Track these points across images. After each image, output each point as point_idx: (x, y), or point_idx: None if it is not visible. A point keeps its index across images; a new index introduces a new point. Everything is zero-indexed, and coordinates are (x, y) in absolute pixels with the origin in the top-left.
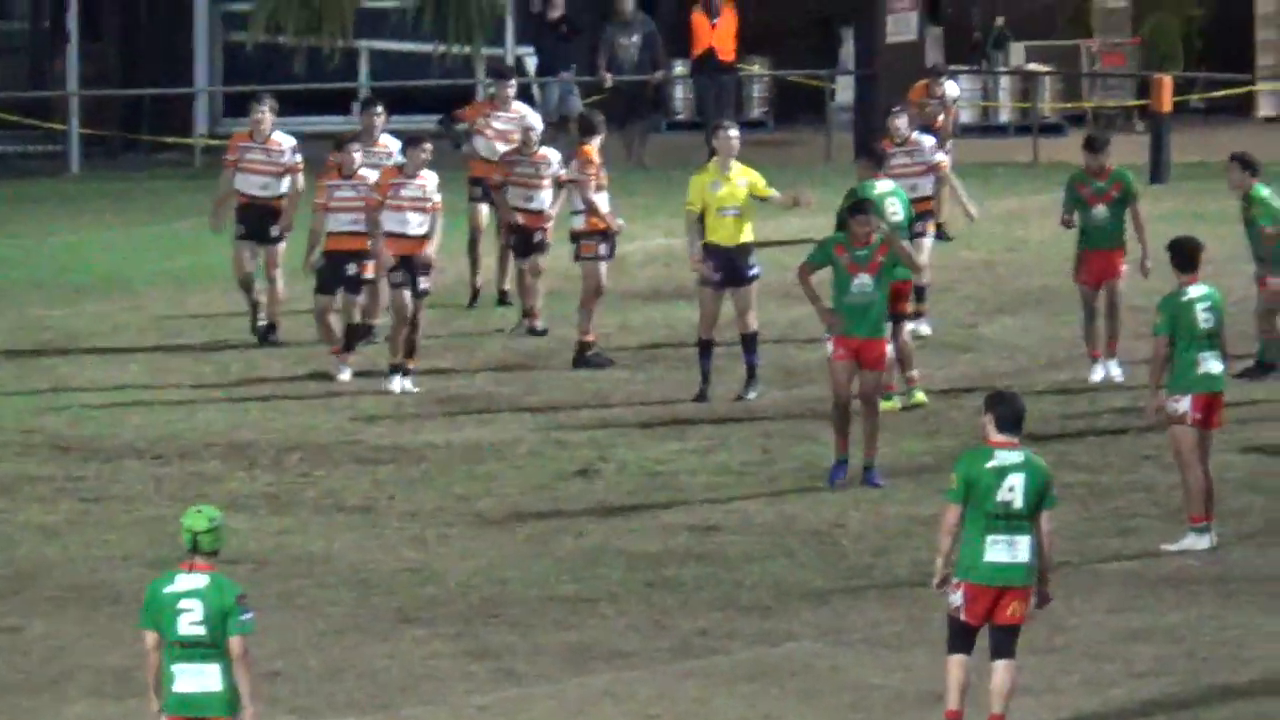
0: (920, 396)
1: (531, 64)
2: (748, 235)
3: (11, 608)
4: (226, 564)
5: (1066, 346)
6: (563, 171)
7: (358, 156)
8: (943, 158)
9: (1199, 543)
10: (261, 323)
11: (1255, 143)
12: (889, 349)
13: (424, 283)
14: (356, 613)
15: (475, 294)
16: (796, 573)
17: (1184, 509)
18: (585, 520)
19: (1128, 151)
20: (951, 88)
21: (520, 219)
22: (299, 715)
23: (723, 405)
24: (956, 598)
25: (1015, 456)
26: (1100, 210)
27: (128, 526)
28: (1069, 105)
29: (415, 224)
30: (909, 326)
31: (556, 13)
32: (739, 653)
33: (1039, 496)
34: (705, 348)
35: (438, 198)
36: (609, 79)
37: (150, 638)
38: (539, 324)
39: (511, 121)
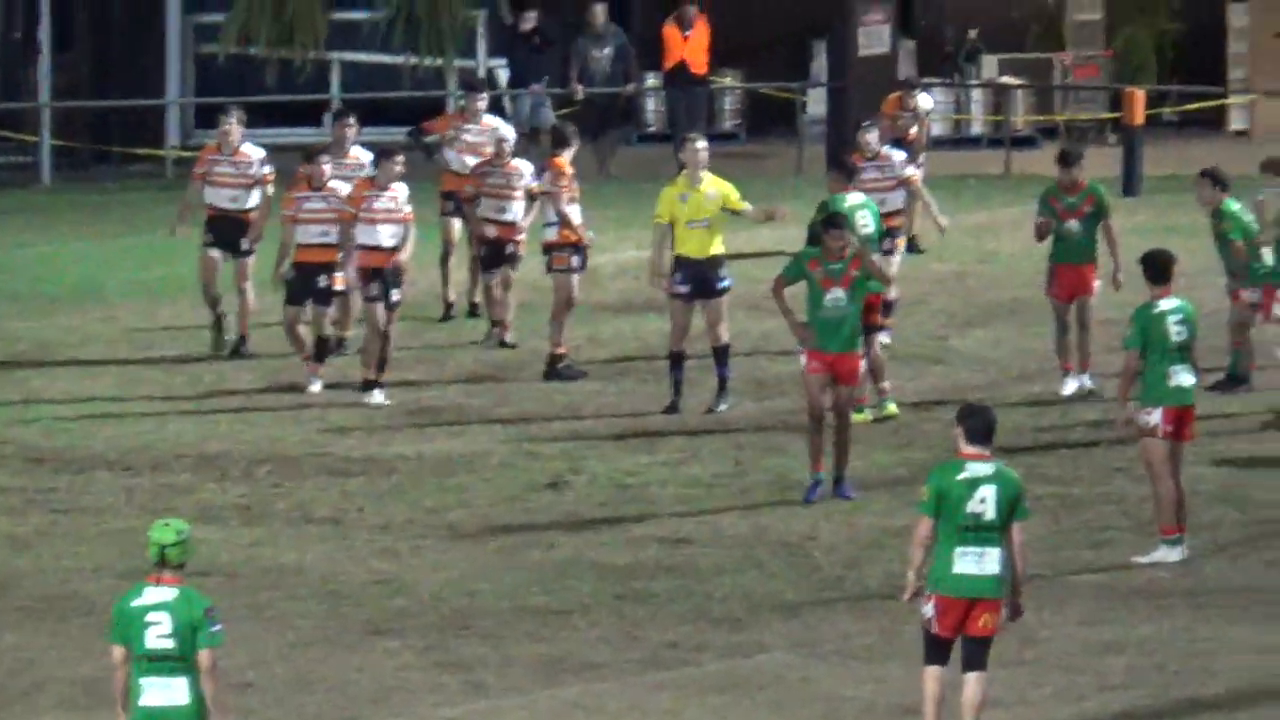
0: (892, 408)
1: (503, 76)
2: (718, 247)
3: None
4: (197, 576)
5: (1038, 359)
6: (535, 183)
7: (328, 168)
8: (913, 172)
9: (1170, 555)
10: (229, 337)
11: (1227, 156)
12: (861, 363)
13: (396, 294)
14: (327, 624)
15: (448, 308)
16: (768, 585)
17: (1155, 521)
18: (556, 532)
19: (1100, 164)
20: (925, 100)
21: (492, 231)
22: None
23: (694, 417)
24: (928, 610)
25: (986, 468)
26: (1073, 225)
27: (98, 538)
28: (1041, 118)
29: (388, 236)
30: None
31: (529, 25)
32: (710, 665)
33: (1010, 508)
34: (676, 360)
35: (409, 209)
36: (581, 91)
37: (118, 652)
38: (510, 337)
39: (482, 134)
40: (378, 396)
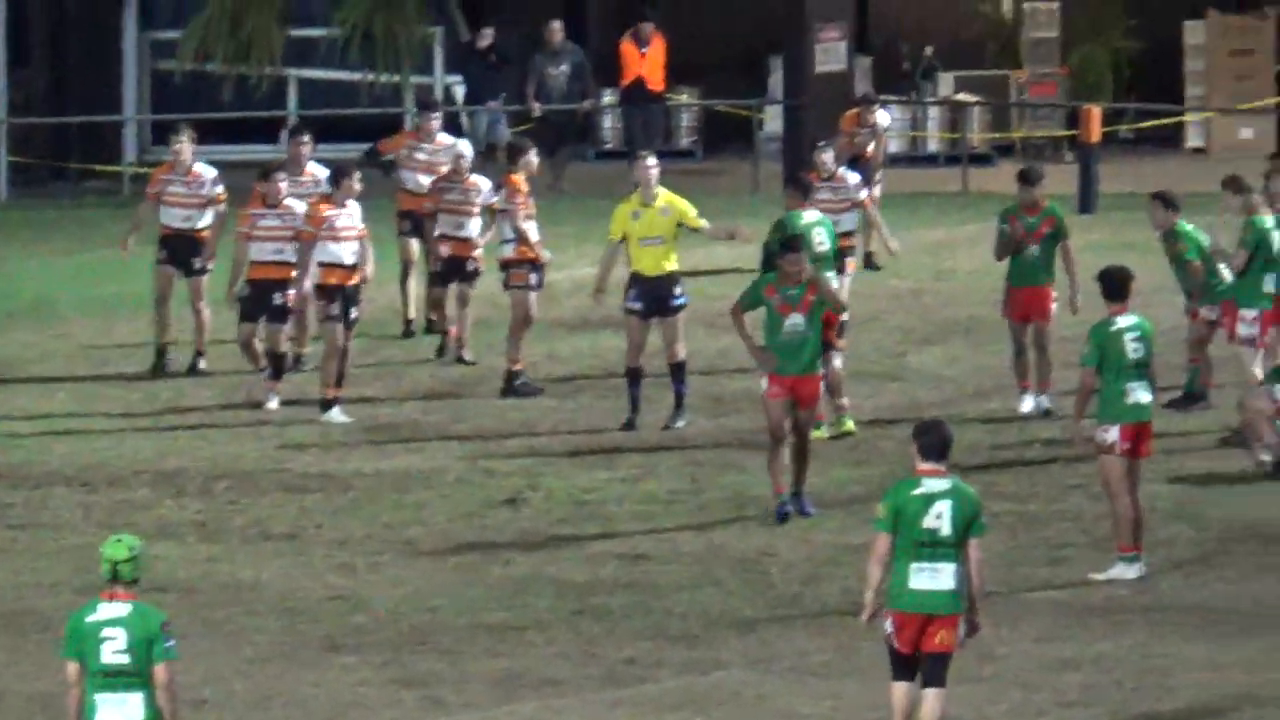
0: (849, 425)
1: (460, 93)
2: (672, 265)
3: None
4: (154, 592)
5: (994, 376)
6: (494, 199)
7: (284, 186)
8: (865, 195)
9: (1127, 572)
10: (170, 368)
11: (1184, 173)
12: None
13: (354, 312)
14: (284, 640)
15: (407, 325)
16: (725, 601)
17: (1113, 538)
18: (513, 549)
19: (1057, 181)
20: (883, 117)
21: (448, 249)
22: None
23: (651, 434)
24: (888, 625)
25: (942, 484)
26: (1031, 247)
27: (56, 554)
28: (998, 135)
29: (350, 253)
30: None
31: (485, 42)
32: (667, 681)
33: (967, 524)
34: (633, 376)
35: (363, 225)
36: (537, 108)
37: (71, 669)
38: (467, 354)
39: (437, 153)
40: (338, 415)
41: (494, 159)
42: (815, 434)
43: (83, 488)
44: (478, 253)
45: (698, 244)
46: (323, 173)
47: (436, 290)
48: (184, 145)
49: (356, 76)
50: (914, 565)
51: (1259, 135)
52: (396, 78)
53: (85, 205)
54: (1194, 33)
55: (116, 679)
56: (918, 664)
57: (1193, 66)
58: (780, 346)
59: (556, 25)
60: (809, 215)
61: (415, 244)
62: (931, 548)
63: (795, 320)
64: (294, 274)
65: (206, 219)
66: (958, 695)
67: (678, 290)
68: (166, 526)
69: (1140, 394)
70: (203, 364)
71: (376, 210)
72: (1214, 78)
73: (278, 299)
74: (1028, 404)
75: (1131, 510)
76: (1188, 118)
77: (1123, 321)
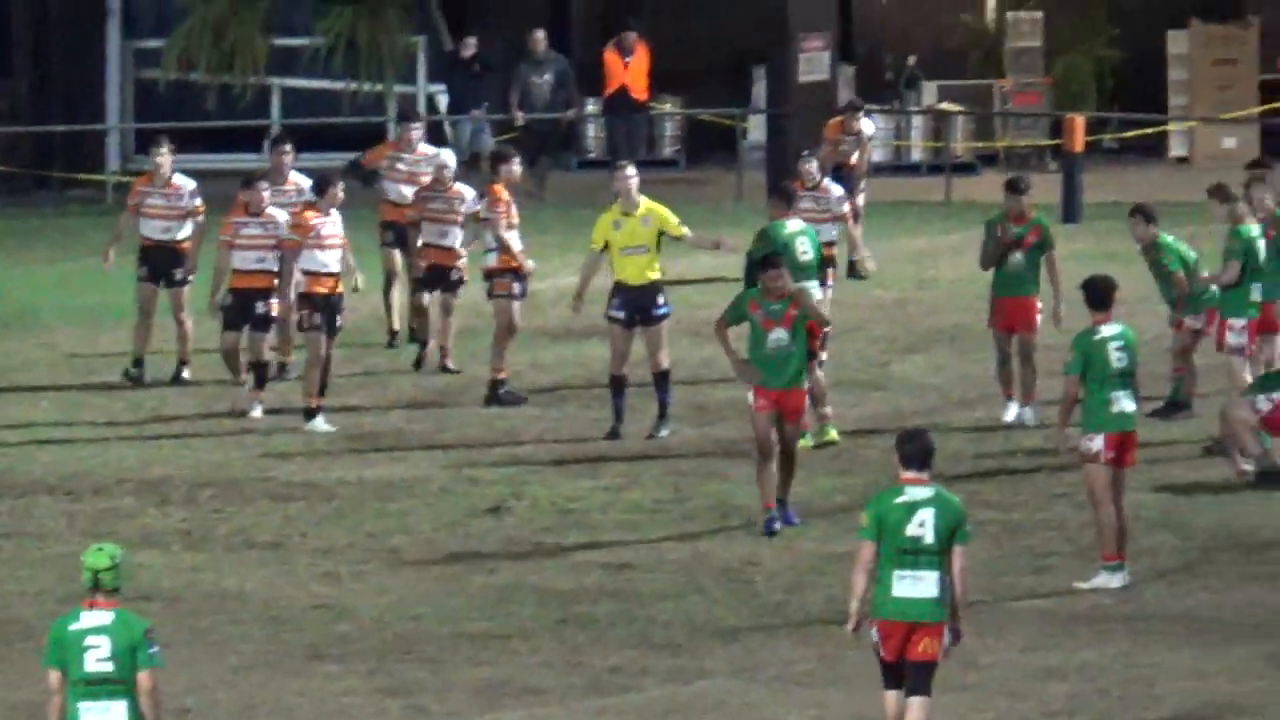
0: (833, 434)
1: (443, 102)
2: (656, 274)
3: None
4: (140, 600)
5: (978, 385)
6: (477, 208)
7: (266, 195)
8: (847, 208)
9: (1112, 581)
10: (143, 367)
11: (1168, 182)
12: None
13: (338, 320)
14: (268, 649)
15: (393, 336)
16: (709, 610)
17: (1097, 547)
18: (497, 557)
19: (1041, 191)
20: (867, 125)
21: (432, 257)
22: None
23: (635, 443)
24: (873, 634)
25: (925, 492)
26: (1016, 257)
27: (40, 563)
28: (981, 145)
29: (334, 261)
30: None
31: (469, 51)
32: (651, 690)
33: (950, 532)
34: (617, 385)
35: (343, 234)
36: (521, 117)
37: (54, 677)
38: (451, 363)
39: (418, 163)
40: (322, 424)
41: (477, 168)
42: (799, 443)
43: (67, 496)
44: (461, 262)
45: (681, 253)
46: (305, 182)
47: (418, 296)
48: (164, 157)
49: (340, 86)
50: (897, 573)
51: (1242, 145)
52: (380, 87)
53: (69, 214)
54: (1177, 42)
55: (100, 687)
56: (904, 672)
57: (1176, 76)
58: (764, 361)
59: (540, 34)
60: (792, 225)
61: (398, 254)
62: (915, 555)
63: (779, 335)
64: (277, 282)
65: (186, 230)
66: (943, 704)
67: (661, 299)
68: (151, 535)
69: (1125, 403)
70: (186, 373)
71: (358, 220)
72: (1197, 87)
73: (260, 308)
74: (1011, 412)
75: (1116, 519)
76: (1171, 127)
77: (1107, 330)
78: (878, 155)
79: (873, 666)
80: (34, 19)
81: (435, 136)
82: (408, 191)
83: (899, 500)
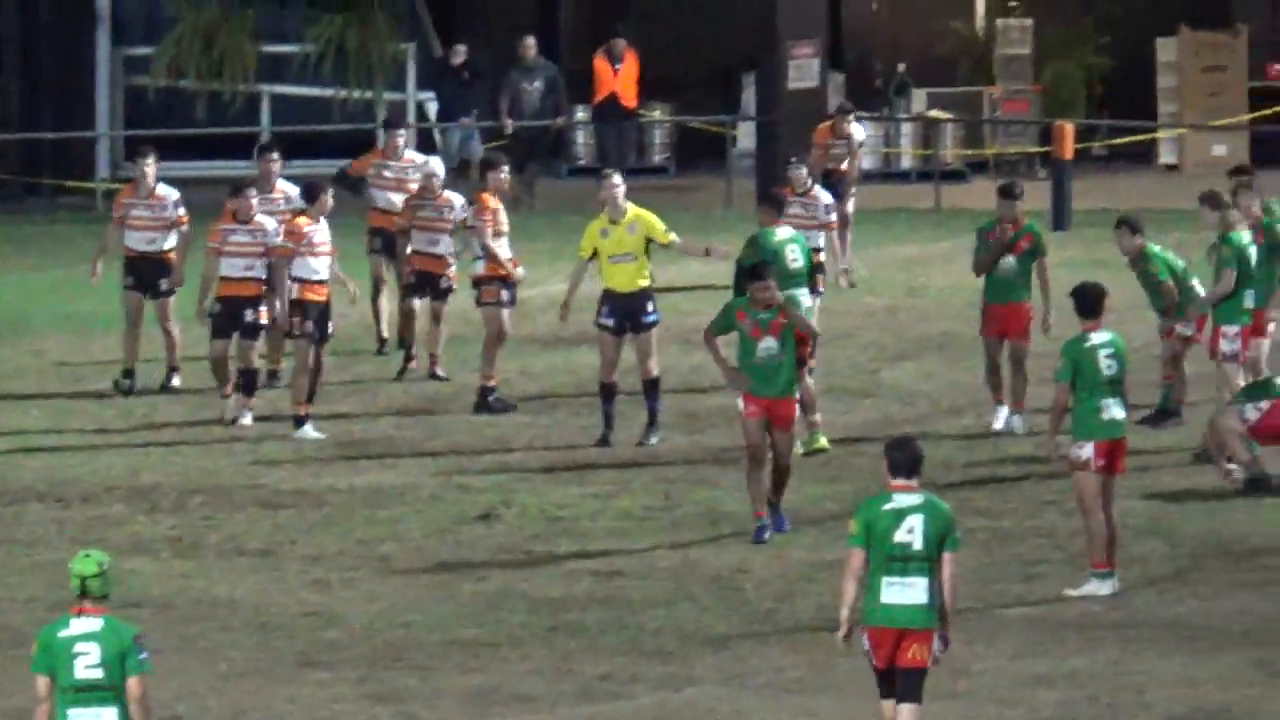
0: (823, 441)
1: (433, 109)
2: (645, 281)
3: None
4: (129, 607)
5: (968, 392)
6: (465, 215)
7: (254, 202)
8: (834, 218)
9: (1101, 588)
10: (133, 378)
11: (1157, 190)
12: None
13: (329, 327)
14: (258, 656)
15: (382, 343)
16: (699, 617)
17: (1087, 554)
18: (487, 565)
19: (1030, 198)
20: (858, 130)
21: (421, 264)
22: None
23: (625, 450)
24: (864, 642)
25: (914, 499)
26: (1008, 262)
27: (29, 569)
28: (971, 152)
29: (324, 268)
30: None
31: (459, 59)
32: (642, 697)
33: (939, 538)
34: (607, 392)
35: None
36: (510, 125)
37: (41, 683)
38: (441, 370)
39: (404, 170)
40: (311, 432)
41: (467, 175)
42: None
43: (57, 503)
44: (451, 270)
45: (671, 261)
46: (292, 190)
47: (407, 302)
48: (148, 168)
49: (330, 93)
50: (886, 580)
51: (1232, 152)
52: (369, 94)
53: (59, 221)
54: (1166, 49)
55: (90, 694)
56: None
57: (1165, 83)
58: (754, 370)
59: (530, 41)
60: (782, 232)
61: (386, 261)
62: (904, 562)
63: (768, 344)
64: (276, 294)
65: (171, 241)
66: (933, 712)
67: (650, 307)
68: (141, 542)
69: (1114, 410)
70: (176, 381)
71: (345, 228)
72: (1186, 94)
73: (249, 316)
74: (1000, 418)
75: (1105, 526)
76: (1160, 134)
77: (1096, 338)
78: (867, 163)
79: (863, 674)
80: (24, 26)
81: (425, 143)
82: (395, 199)
83: (887, 507)
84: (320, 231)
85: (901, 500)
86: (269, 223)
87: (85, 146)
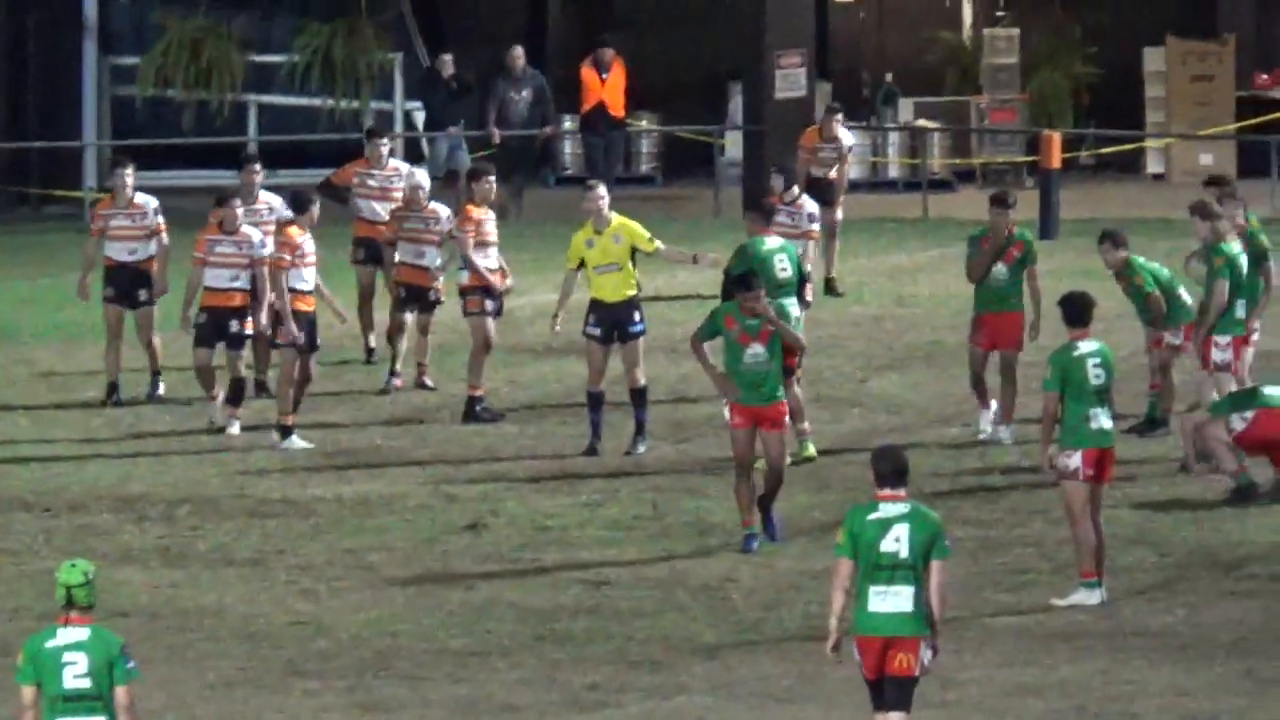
0: (811, 450)
1: (420, 118)
2: (632, 290)
3: None
4: (118, 617)
5: (955, 402)
6: (451, 226)
7: (239, 212)
8: (816, 228)
9: (1089, 598)
10: (119, 391)
11: (1144, 199)
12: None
13: (317, 338)
14: (247, 665)
15: (370, 353)
16: (687, 627)
17: (1075, 564)
18: (475, 574)
19: (1017, 207)
20: (846, 135)
21: (407, 276)
22: None
23: (612, 460)
24: (855, 653)
25: (900, 508)
26: (1000, 270)
27: (17, 579)
28: (958, 161)
29: (312, 278)
30: None
31: (448, 71)
32: (630, 706)
33: (926, 546)
34: (595, 401)
35: None
36: (497, 134)
37: (27, 693)
38: (428, 380)
39: (388, 179)
40: (298, 442)
41: (454, 185)
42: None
43: (44, 513)
44: (438, 283)
45: (659, 270)
46: (275, 200)
47: (398, 316)
48: (126, 178)
49: (317, 103)
50: (874, 589)
51: (1219, 161)
52: (357, 104)
53: (46, 230)
54: (1154, 59)
55: (79, 704)
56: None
57: (1153, 93)
58: (742, 377)
59: (518, 51)
60: (771, 241)
61: (372, 270)
62: (891, 570)
63: (756, 351)
64: (271, 299)
65: (151, 249)
66: None
67: (637, 316)
68: (129, 552)
69: (1102, 420)
70: (161, 387)
71: (330, 238)
72: (1174, 104)
73: (234, 326)
74: (985, 421)
75: (1093, 536)
76: (1148, 144)
77: (1085, 347)
78: (854, 171)
79: (851, 683)
80: (11, 35)
81: (412, 153)
82: (380, 207)
83: (873, 516)
84: (308, 241)
85: (887, 510)
86: (254, 234)
87: (72, 156)
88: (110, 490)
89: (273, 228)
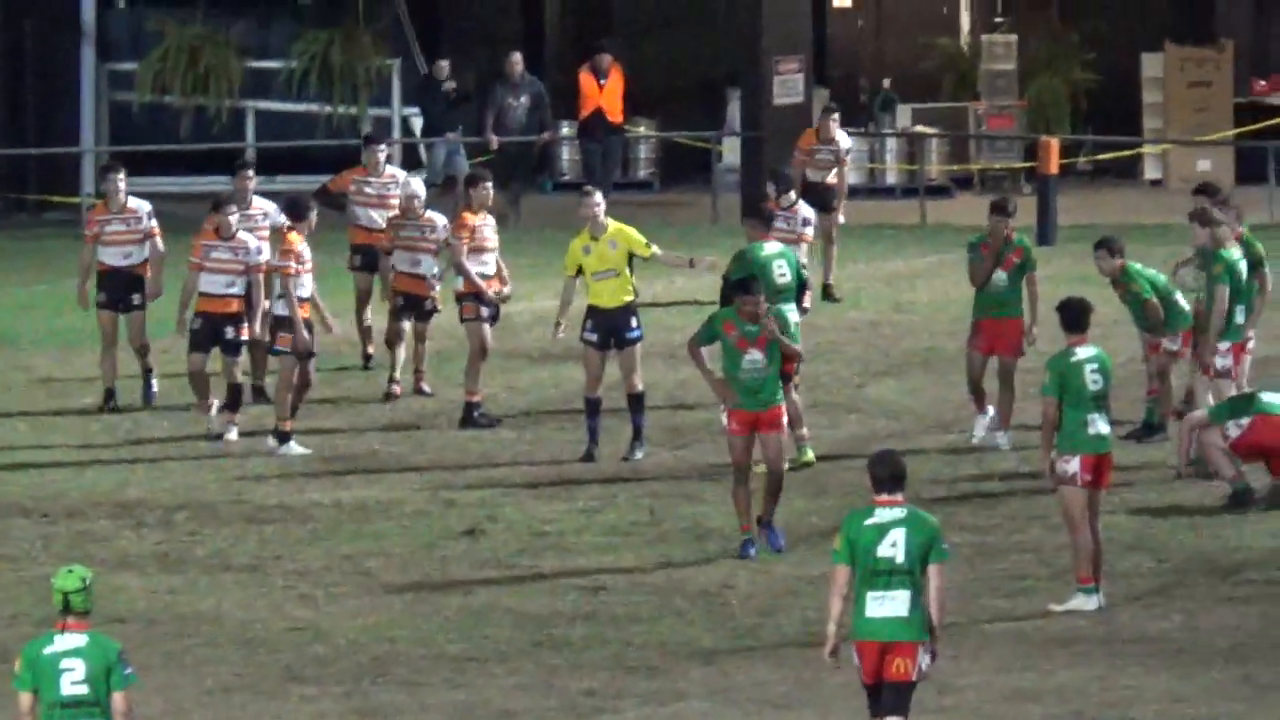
0: (810, 456)
1: (418, 125)
2: (629, 296)
3: None
4: (115, 623)
5: (953, 408)
6: (447, 235)
7: (235, 219)
8: (809, 233)
9: (1087, 603)
10: (115, 398)
11: (1142, 205)
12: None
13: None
14: (244, 671)
15: (368, 359)
16: (684, 632)
17: (1072, 570)
18: (472, 580)
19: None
20: (843, 137)
21: (403, 285)
22: None
23: (610, 465)
24: (854, 658)
25: (896, 513)
26: (1000, 276)
27: (15, 585)
28: (956, 167)
29: (310, 287)
30: None
31: (444, 76)
32: (627, 712)
33: (924, 550)
34: (592, 407)
35: None
36: (495, 141)
37: (25, 700)
38: (426, 386)
39: (385, 186)
40: (296, 448)
41: (452, 191)
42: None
43: (43, 519)
44: (435, 291)
45: (657, 275)
46: (269, 205)
47: (396, 324)
48: (118, 183)
49: (315, 109)
50: (871, 594)
51: (1217, 167)
52: (354, 110)
53: (44, 236)
54: (1152, 65)
55: (77, 710)
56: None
57: (1150, 99)
58: (740, 383)
59: (517, 57)
60: (770, 247)
61: (369, 277)
62: (888, 576)
63: (754, 356)
64: (265, 306)
65: (144, 253)
66: None
67: (634, 322)
68: (126, 558)
69: (1100, 425)
70: (154, 384)
71: (326, 245)
72: (1172, 110)
73: (229, 333)
74: (980, 427)
75: (1091, 541)
76: (1145, 150)
77: (1082, 353)
78: (852, 178)
79: (848, 689)
80: (8, 41)
81: (410, 160)
82: (376, 214)
83: (869, 522)
84: (306, 249)
85: (884, 515)
86: (251, 241)
87: (70, 162)
88: (108, 496)
89: (267, 233)
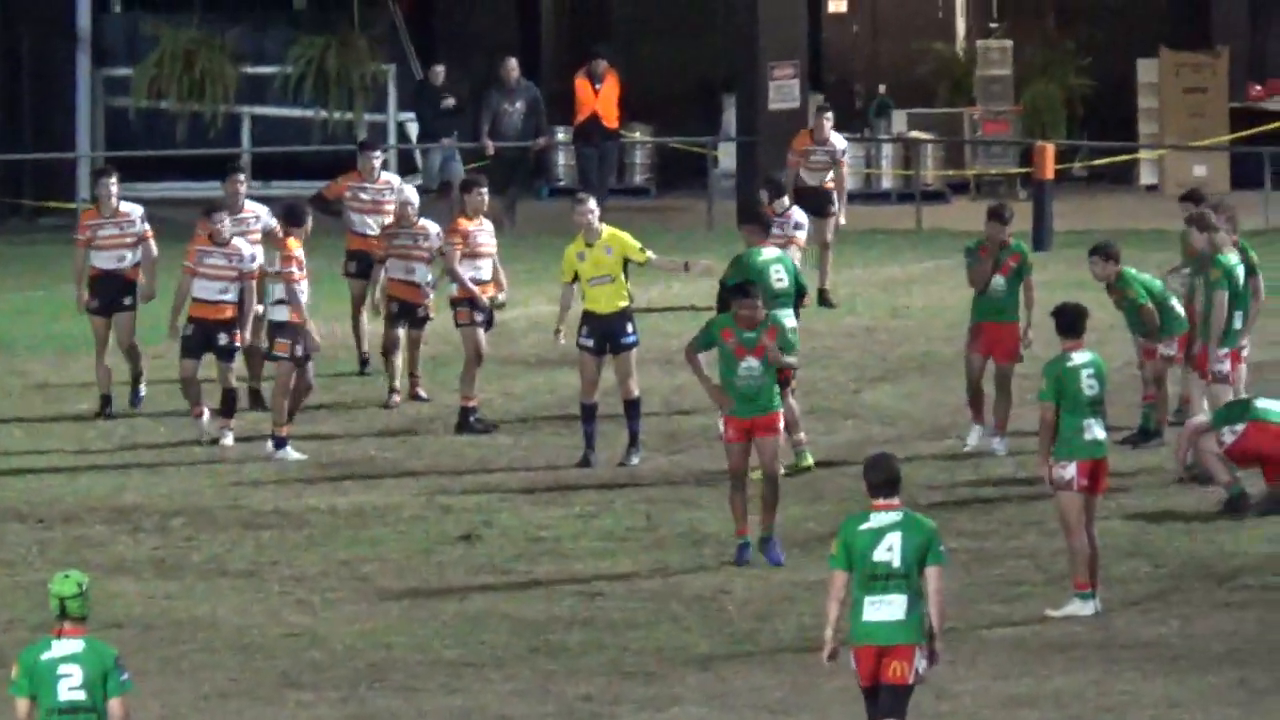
0: (808, 460)
1: (413, 130)
2: (624, 302)
3: None
4: (112, 628)
5: (949, 413)
6: (440, 243)
7: (228, 224)
8: (800, 235)
9: (1083, 609)
10: (111, 405)
11: (1137, 211)
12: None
13: (309, 350)
14: (241, 677)
15: (364, 362)
16: (681, 638)
17: (1069, 575)
18: (469, 585)
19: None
20: (838, 139)
21: (397, 292)
22: None
23: (606, 471)
24: (851, 662)
25: (893, 517)
26: (998, 281)
27: (11, 591)
28: (951, 173)
29: (307, 294)
30: None
31: (448, 101)
32: (624, 718)
33: (920, 553)
34: (588, 412)
35: None
36: (491, 146)
37: (22, 706)
38: (422, 391)
39: (380, 192)
40: (292, 453)
41: (448, 197)
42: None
43: (38, 524)
44: (428, 299)
45: (653, 281)
46: (261, 209)
47: (391, 332)
48: (111, 187)
49: (310, 114)
50: (868, 598)
51: (1212, 173)
52: (350, 115)
53: (40, 242)
54: (1147, 70)
55: (74, 716)
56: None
57: (1146, 104)
58: (736, 389)
59: (512, 63)
60: (768, 252)
61: (363, 283)
62: (885, 580)
63: (751, 364)
64: (259, 310)
65: (137, 257)
66: None
67: (629, 328)
68: (123, 563)
69: (1096, 430)
70: (143, 388)
71: (321, 250)
72: (1167, 115)
73: (222, 339)
74: (975, 436)
75: (1087, 547)
76: (1141, 155)
77: (1078, 358)
78: (848, 183)
79: (845, 694)
80: (3, 46)
81: (406, 165)
82: (371, 220)
83: (865, 526)
84: (302, 254)
85: (880, 519)
86: (245, 247)
87: (66, 167)
88: (104, 501)
89: (259, 237)
